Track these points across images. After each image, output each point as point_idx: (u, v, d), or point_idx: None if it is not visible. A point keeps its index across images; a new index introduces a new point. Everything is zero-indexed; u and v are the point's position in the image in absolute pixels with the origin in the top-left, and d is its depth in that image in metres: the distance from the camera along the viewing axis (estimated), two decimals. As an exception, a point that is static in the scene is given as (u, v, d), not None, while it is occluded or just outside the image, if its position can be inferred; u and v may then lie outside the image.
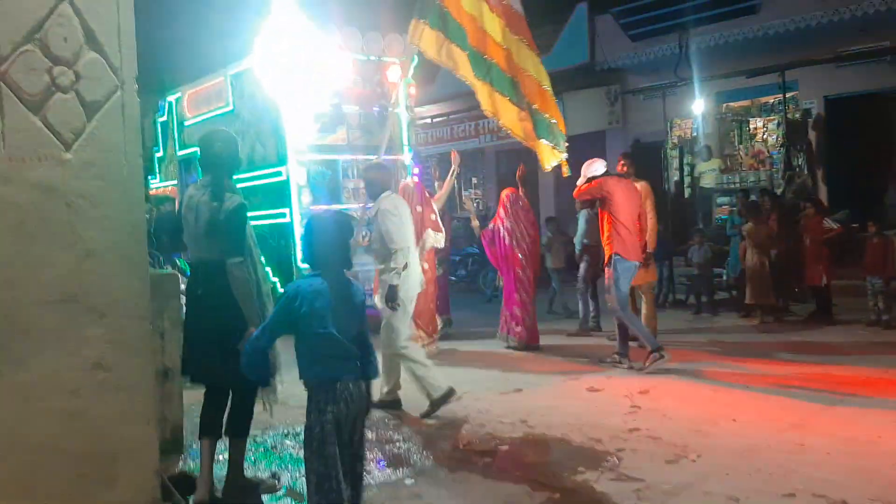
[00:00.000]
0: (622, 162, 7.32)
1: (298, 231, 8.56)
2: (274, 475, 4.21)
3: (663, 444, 4.46)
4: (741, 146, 13.79)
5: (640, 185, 7.19)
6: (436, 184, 8.22)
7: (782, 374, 6.17)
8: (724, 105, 13.78)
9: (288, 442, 4.80)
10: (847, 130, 11.87)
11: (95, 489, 2.77)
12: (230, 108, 9.69)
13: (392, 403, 5.52)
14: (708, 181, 12.90)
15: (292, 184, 8.68)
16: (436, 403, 5.25)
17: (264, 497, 3.92)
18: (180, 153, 11.14)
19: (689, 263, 9.90)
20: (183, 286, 4.53)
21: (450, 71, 6.36)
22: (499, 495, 3.84)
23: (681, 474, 3.99)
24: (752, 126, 13.65)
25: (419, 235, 7.29)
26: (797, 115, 12.57)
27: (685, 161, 13.64)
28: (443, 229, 7.42)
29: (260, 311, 3.70)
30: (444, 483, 4.06)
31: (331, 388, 2.91)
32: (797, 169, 12.17)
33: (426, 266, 7.35)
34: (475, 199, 17.25)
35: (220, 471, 3.97)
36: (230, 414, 3.88)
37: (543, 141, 6.60)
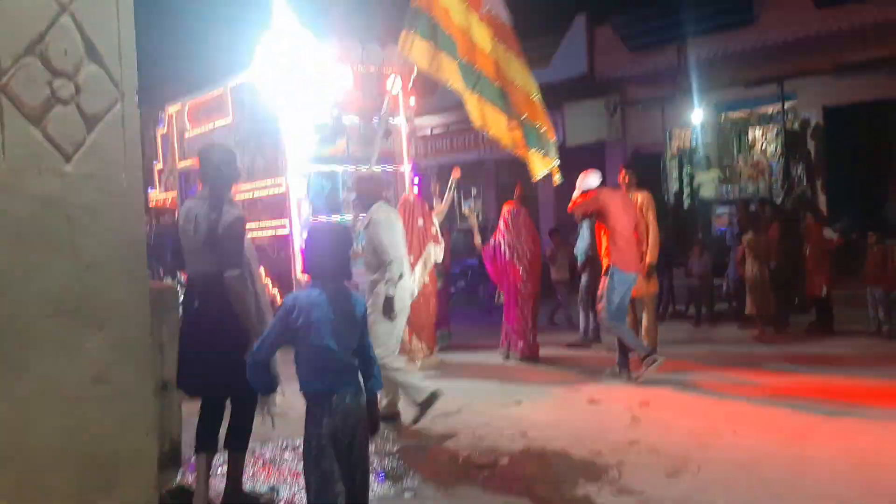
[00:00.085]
0: (624, 173, 7.33)
1: (299, 242, 8.57)
2: (273, 489, 4.19)
3: (664, 457, 4.44)
4: (740, 156, 13.83)
5: (642, 196, 7.20)
6: (434, 200, 8.22)
7: (783, 385, 6.15)
8: (723, 115, 13.82)
9: (287, 455, 4.78)
10: (846, 140, 11.90)
11: (93, 501, 2.76)
12: (231, 119, 9.72)
13: (391, 416, 5.50)
14: (707, 191, 12.93)
15: (292, 195, 8.70)
16: (423, 406, 5.23)
17: (263, 511, 3.90)
18: (180, 164, 11.17)
19: (690, 274, 9.89)
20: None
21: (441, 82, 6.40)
22: (499, 508, 3.82)
23: (682, 487, 3.97)
24: (751, 136, 13.69)
25: (422, 249, 7.32)
26: (796, 125, 12.61)
27: (684, 171, 13.68)
28: (442, 242, 7.44)
29: (259, 323, 3.69)
30: (443, 497, 4.04)
31: (326, 401, 2.89)
32: (796, 179, 12.20)
33: (426, 280, 7.37)
34: (475, 210, 17.26)
35: (220, 484, 3.95)
36: (230, 427, 3.87)
37: (533, 150, 6.63)
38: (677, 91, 12.97)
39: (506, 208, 8.06)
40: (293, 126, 8.64)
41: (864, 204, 11.34)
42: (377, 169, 6.87)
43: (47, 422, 2.64)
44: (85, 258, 2.74)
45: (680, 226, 12.16)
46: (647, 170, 12.00)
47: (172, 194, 11.54)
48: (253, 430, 3.94)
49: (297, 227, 8.64)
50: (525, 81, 6.73)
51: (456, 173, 7.90)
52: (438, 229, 7.43)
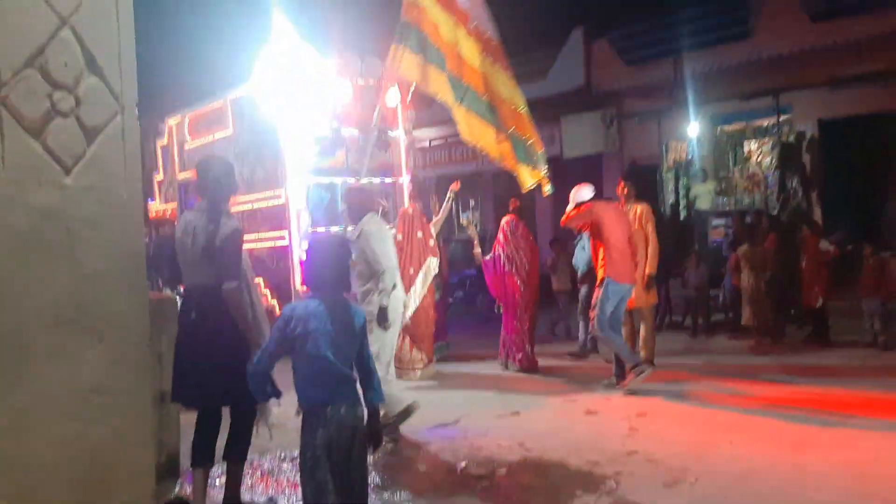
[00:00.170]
0: (623, 185, 7.36)
1: (298, 253, 8.60)
2: (271, 500, 4.19)
3: (661, 467, 4.45)
4: (736, 169, 13.87)
5: (641, 207, 7.21)
6: (433, 215, 8.25)
7: (779, 395, 6.15)
8: (719, 128, 13.88)
9: (285, 466, 4.77)
10: (841, 153, 11.94)
11: (91, 513, 2.76)
12: (231, 131, 9.76)
13: (389, 427, 5.49)
14: (703, 203, 12.97)
15: (292, 206, 8.74)
16: (398, 418, 5.24)
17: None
18: (181, 176, 11.20)
19: (686, 285, 9.91)
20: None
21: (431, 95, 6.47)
22: (496, 519, 3.82)
23: (679, 498, 3.98)
24: (746, 149, 13.74)
25: (421, 262, 7.35)
26: (792, 138, 12.65)
27: (681, 183, 13.72)
28: (438, 254, 7.48)
29: (256, 334, 3.71)
30: (441, 507, 4.04)
31: (321, 412, 2.89)
32: (792, 191, 12.24)
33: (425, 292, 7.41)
34: (472, 221, 17.29)
35: (218, 495, 3.95)
36: (228, 438, 3.87)
37: (521, 162, 6.69)
38: (674, 104, 13.03)
39: (505, 220, 8.10)
40: (293, 138, 8.70)
41: (859, 216, 11.36)
42: (365, 181, 6.92)
43: (46, 432, 2.64)
44: (85, 269, 2.76)
45: (676, 237, 12.18)
46: (643, 182, 12.00)
47: (172, 205, 11.57)
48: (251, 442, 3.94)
49: (297, 238, 8.67)
50: (512, 94, 6.81)
51: (455, 186, 7.95)
52: (435, 240, 7.47)
